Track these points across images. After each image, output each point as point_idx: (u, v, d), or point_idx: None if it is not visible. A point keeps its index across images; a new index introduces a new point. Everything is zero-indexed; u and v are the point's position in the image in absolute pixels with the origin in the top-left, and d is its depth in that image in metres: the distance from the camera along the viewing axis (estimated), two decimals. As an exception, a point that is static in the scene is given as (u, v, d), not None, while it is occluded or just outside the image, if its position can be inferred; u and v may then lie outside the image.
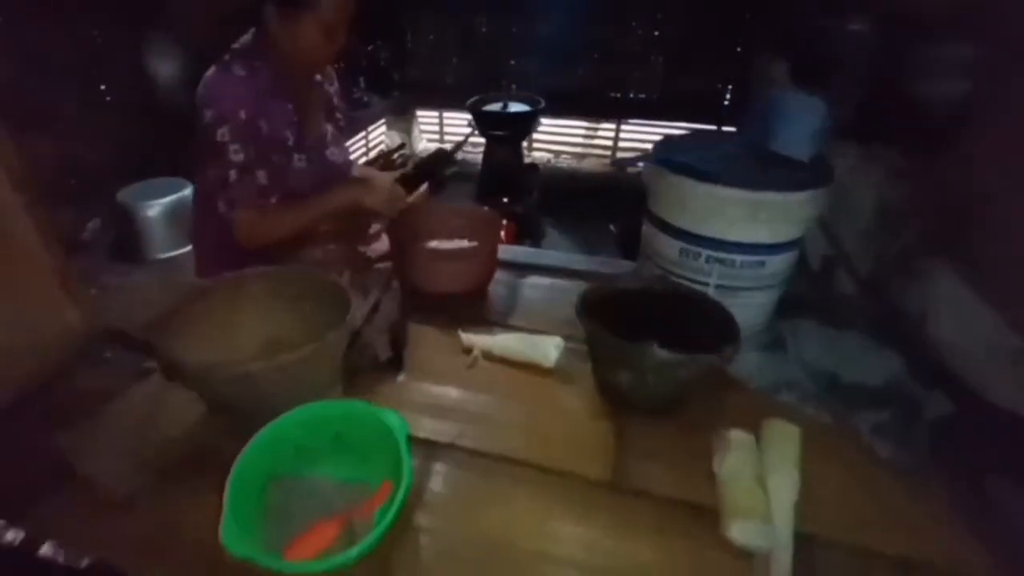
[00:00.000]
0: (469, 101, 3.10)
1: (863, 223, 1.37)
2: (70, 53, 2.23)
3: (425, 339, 1.39)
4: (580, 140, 4.66)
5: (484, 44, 4.33)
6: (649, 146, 4.65)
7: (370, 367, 1.23)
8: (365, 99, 4.12)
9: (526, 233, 3.23)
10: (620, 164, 1.54)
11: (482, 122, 3.11)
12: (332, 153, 1.39)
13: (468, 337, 1.33)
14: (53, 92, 2.16)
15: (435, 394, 1.22)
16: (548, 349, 1.25)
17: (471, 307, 1.51)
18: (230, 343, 1.11)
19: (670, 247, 1.27)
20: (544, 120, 4.07)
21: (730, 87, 3.99)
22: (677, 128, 4.26)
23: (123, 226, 2.30)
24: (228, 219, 1.21)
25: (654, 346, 1.02)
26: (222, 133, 1.14)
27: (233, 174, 1.16)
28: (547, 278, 1.68)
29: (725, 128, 4.07)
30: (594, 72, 4.20)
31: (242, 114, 1.14)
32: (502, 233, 1.53)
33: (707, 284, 1.25)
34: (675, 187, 1.20)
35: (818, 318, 1.39)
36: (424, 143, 4.94)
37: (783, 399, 1.21)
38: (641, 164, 1.33)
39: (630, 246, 3.31)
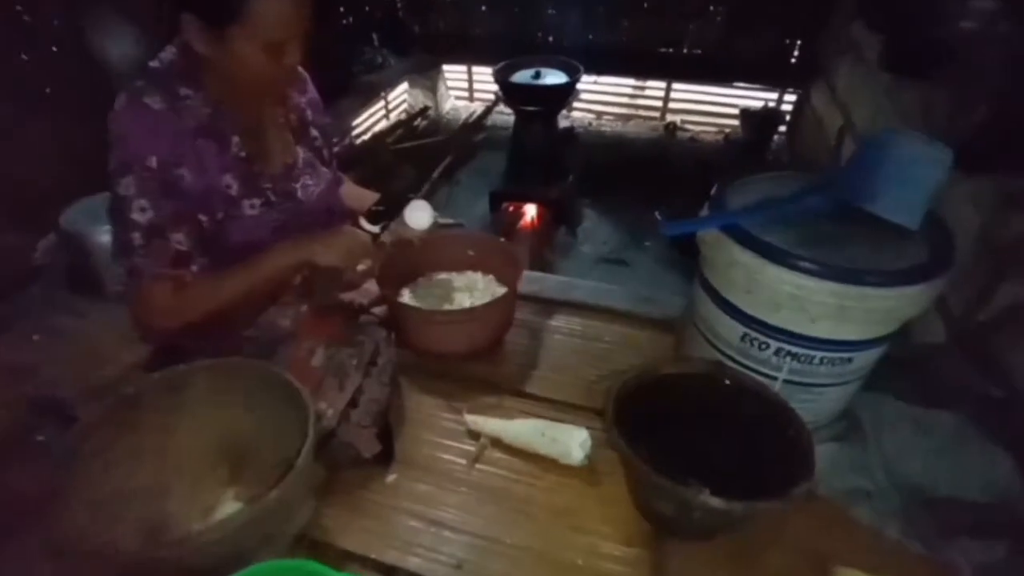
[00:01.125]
0: (495, 67, 2.76)
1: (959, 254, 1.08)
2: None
3: (422, 415, 1.18)
4: (625, 100, 4.26)
5: (517, -8, 3.92)
6: (704, 108, 4.21)
7: (352, 465, 1.04)
8: (379, 59, 3.79)
9: (560, 219, 2.95)
10: (665, 229, 1.20)
11: (510, 94, 2.78)
12: (307, 185, 1.13)
13: (474, 420, 1.12)
14: None
15: (431, 502, 1.01)
16: (571, 446, 1.02)
17: (483, 366, 1.28)
18: (171, 461, 0.92)
19: (730, 329, 1.01)
20: (586, 77, 3.70)
21: (799, 44, 3.51)
22: (734, 89, 3.81)
23: (75, 252, 1.88)
24: (127, 295, 0.97)
25: (704, 493, 0.78)
26: (125, 185, 0.89)
27: (137, 238, 0.91)
28: (578, 319, 1.43)
29: (792, 91, 3.63)
30: (642, 25, 3.76)
31: (152, 161, 0.88)
32: (522, 271, 1.27)
33: (774, 378, 0.98)
34: (741, 264, 0.92)
35: (902, 386, 1.13)
36: (452, 103, 4.62)
37: (860, 513, 0.97)
38: (695, 227, 1.04)
39: (679, 239, 3.01)
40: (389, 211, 1.16)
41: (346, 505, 1.01)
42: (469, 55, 4.31)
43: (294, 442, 0.83)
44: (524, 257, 1.25)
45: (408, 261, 1.37)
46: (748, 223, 0.94)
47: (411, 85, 4.33)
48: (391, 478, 1.05)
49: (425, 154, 3.57)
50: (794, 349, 0.93)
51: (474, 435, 1.12)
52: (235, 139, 0.99)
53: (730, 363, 1.03)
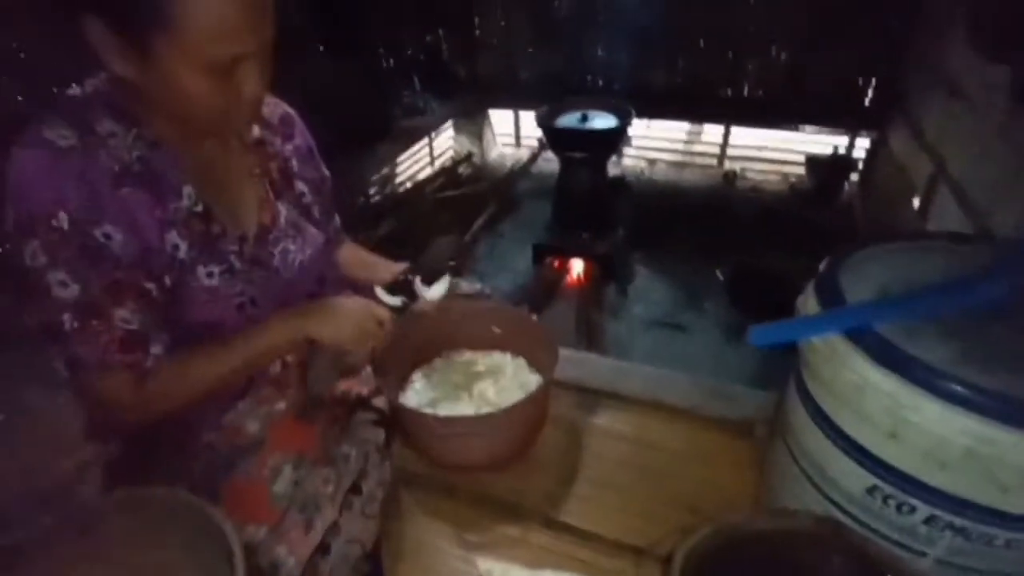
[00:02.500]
0: (538, 112, 2.56)
1: None
2: None
3: (424, 549, 0.92)
4: (680, 147, 4.01)
5: (565, 31, 3.77)
6: (766, 154, 3.92)
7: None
8: (421, 103, 3.68)
9: (609, 275, 2.68)
10: (754, 338, 0.89)
11: (555, 140, 2.57)
12: (287, 251, 0.91)
13: (489, 570, 0.85)
14: None
15: None
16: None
17: (504, 480, 1.02)
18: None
19: (851, 476, 0.71)
20: (637, 122, 3.49)
21: (874, 81, 3.20)
22: (799, 133, 3.52)
23: None
24: (78, 391, 0.75)
25: None
26: (31, 252, 0.67)
27: (68, 321, 0.69)
28: (629, 416, 1.15)
29: (865, 134, 3.31)
30: (699, 64, 3.54)
31: (61, 219, 0.66)
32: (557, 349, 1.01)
33: (922, 553, 0.68)
34: (880, 393, 0.63)
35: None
36: (498, 149, 4.47)
37: None
38: (801, 332, 0.76)
39: (745, 301, 2.69)
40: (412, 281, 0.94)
41: None
42: (515, 99, 4.17)
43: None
44: (557, 339, 0.98)
45: (422, 337, 1.13)
46: (883, 324, 0.65)
47: (457, 131, 4.21)
48: (372, 650, 0.79)
49: (467, 203, 3.39)
50: (960, 522, 0.63)
51: (487, 586, 0.85)
52: (186, 189, 0.77)
53: (845, 519, 0.73)
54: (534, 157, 3.92)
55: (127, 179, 0.70)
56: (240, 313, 0.83)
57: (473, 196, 3.48)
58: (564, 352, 1.25)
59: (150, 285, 0.73)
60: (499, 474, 1.02)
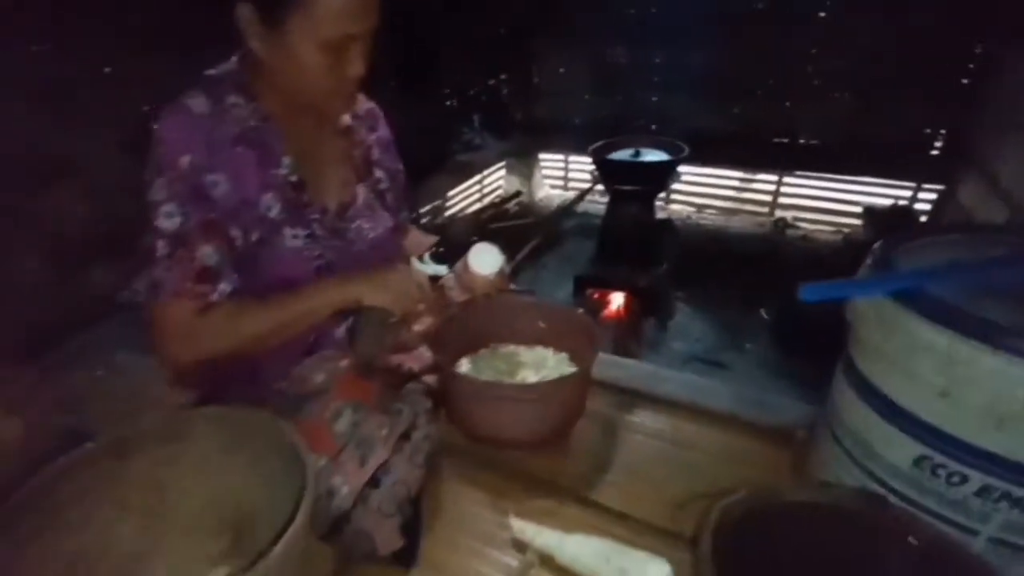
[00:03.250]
0: (593, 146, 2.70)
1: None
2: (90, 90, 2.05)
3: (460, 511, 0.98)
4: (731, 193, 4.08)
5: (621, 78, 3.96)
6: (819, 204, 3.94)
7: (366, 560, 0.85)
8: (478, 141, 3.90)
9: (650, 311, 2.73)
10: (805, 293, 0.94)
11: (607, 172, 2.70)
12: (362, 228, 1.04)
13: (522, 528, 0.90)
14: (78, 138, 2.00)
15: (453, 633, 0.79)
16: (647, 584, 0.77)
17: (541, 460, 1.07)
18: (160, 523, 0.79)
19: (898, 448, 0.74)
20: (688, 168, 3.59)
21: (942, 133, 3.21)
22: (858, 183, 3.54)
23: None
24: (148, 312, 0.87)
25: None
26: (156, 188, 0.83)
27: (162, 247, 0.83)
28: (666, 418, 1.19)
29: (930, 186, 3.30)
30: (754, 111, 3.64)
31: (184, 162, 0.82)
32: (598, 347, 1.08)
33: (973, 531, 0.70)
34: (933, 350, 0.67)
35: None
36: (546, 190, 4.64)
37: None
38: (855, 290, 0.82)
39: (788, 338, 2.69)
40: (452, 255, 1.05)
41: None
42: (567, 142, 4.35)
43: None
44: (604, 335, 1.04)
45: (470, 328, 1.22)
46: (939, 289, 0.70)
47: (508, 170, 4.41)
48: (408, 588, 0.85)
49: (512, 235, 3.53)
50: (1018, 492, 0.65)
51: (520, 546, 0.90)
52: (286, 160, 0.92)
53: (893, 497, 0.75)
54: (581, 196, 4.06)
55: (242, 141, 0.86)
56: (317, 275, 0.96)
57: (519, 228, 3.61)
58: (603, 356, 1.32)
59: (236, 233, 0.88)
60: (535, 454, 1.08)
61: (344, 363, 0.99)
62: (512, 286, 1.29)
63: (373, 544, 0.83)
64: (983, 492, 0.67)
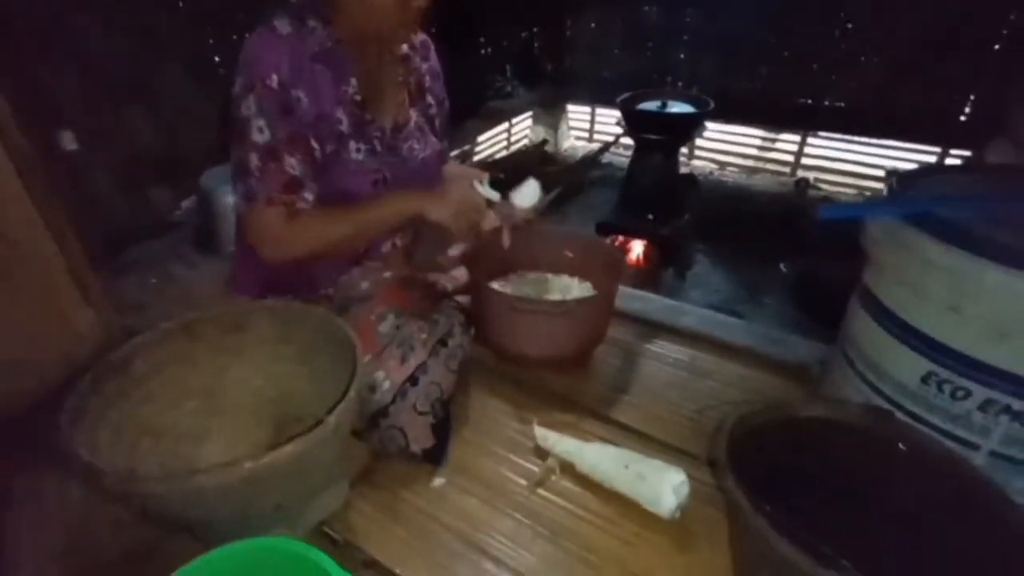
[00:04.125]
0: (621, 97, 2.63)
1: None
2: (163, 21, 2.06)
3: (487, 420, 1.00)
4: (754, 152, 3.96)
5: (653, 35, 3.81)
6: (842, 167, 3.83)
7: (399, 456, 0.87)
8: (509, 88, 3.82)
9: (669, 260, 2.70)
10: (824, 212, 0.93)
11: (633, 122, 2.62)
12: (413, 148, 1.04)
13: (544, 435, 0.92)
14: (149, 66, 2.03)
15: (478, 523, 0.82)
16: (662, 490, 0.79)
17: (564, 380, 1.09)
18: (214, 405, 0.82)
19: (907, 365, 0.74)
20: (712, 125, 3.47)
21: (972, 100, 3.06)
22: (882, 147, 3.41)
23: (205, 211, 2.00)
24: (243, 218, 0.91)
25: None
26: (247, 105, 0.84)
27: (254, 159, 0.86)
28: (685, 348, 1.20)
29: (956, 152, 3.18)
30: (782, 72, 3.49)
31: (273, 79, 0.84)
32: (626, 270, 1.07)
33: (975, 445, 0.70)
34: (944, 269, 0.67)
35: None
36: (571, 141, 4.55)
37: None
38: (871, 211, 0.81)
39: (808, 299, 2.64)
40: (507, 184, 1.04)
41: (382, 504, 0.85)
42: (595, 95, 4.24)
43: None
44: (626, 265, 1.04)
45: (503, 253, 1.22)
46: (950, 214, 0.69)
47: (535, 120, 4.32)
48: (438, 482, 0.88)
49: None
50: (1019, 405, 0.65)
51: (542, 454, 0.92)
52: (353, 80, 0.93)
53: (901, 414, 0.76)
54: (606, 147, 3.98)
55: (320, 60, 0.88)
56: (374, 188, 0.97)
57: (543, 175, 3.56)
58: (626, 289, 1.32)
59: (316, 146, 0.88)
60: (558, 374, 1.09)
61: (388, 274, 1.00)
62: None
63: (406, 440, 0.85)
64: (985, 406, 0.68)
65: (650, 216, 2.72)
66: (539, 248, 1.25)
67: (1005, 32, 2.86)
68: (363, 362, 0.83)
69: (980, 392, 0.67)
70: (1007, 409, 0.66)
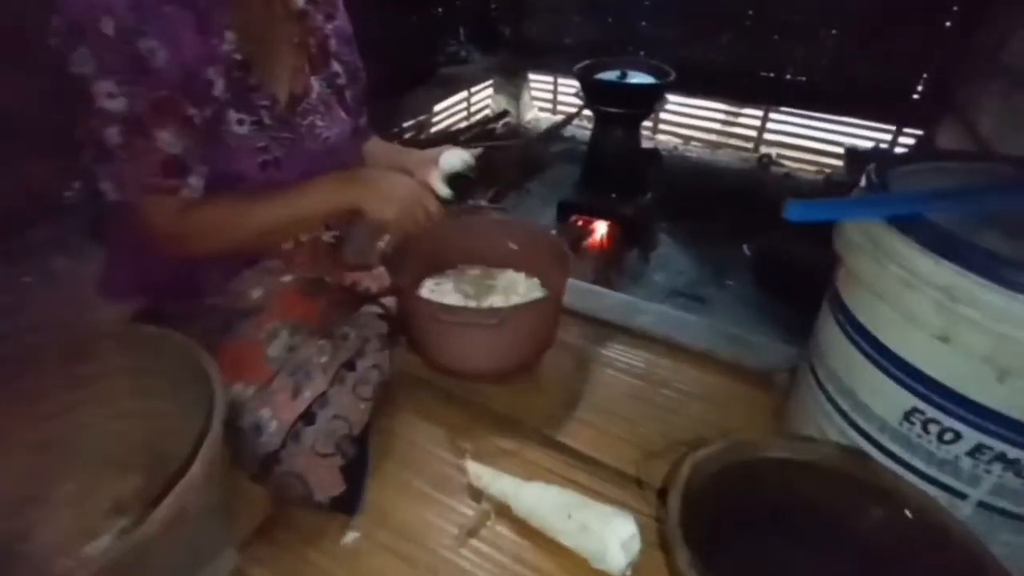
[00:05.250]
0: (578, 66, 2.44)
1: None
2: None
3: (414, 451, 0.85)
4: (717, 127, 3.84)
5: (612, 1, 3.62)
6: (804, 143, 3.75)
7: (303, 505, 0.72)
8: (463, 53, 3.56)
9: (632, 240, 2.57)
10: (792, 212, 0.78)
11: (593, 94, 2.44)
12: (315, 125, 0.84)
13: (478, 474, 0.77)
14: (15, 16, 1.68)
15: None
16: (609, 544, 0.66)
17: (506, 394, 0.94)
18: (66, 454, 0.64)
19: (887, 399, 0.62)
20: (674, 98, 3.31)
21: (924, 77, 2.98)
22: (841, 123, 3.33)
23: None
24: (123, 209, 0.68)
25: None
26: (80, 59, 0.62)
27: (114, 134, 0.65)
28: (642, 352, 1.06)
29: (909, 131, 3.11)
30: (743, 44, 3.35)
31: (107, 25, 0.61)
32: (569, 270, 0.93)
33: (961, 494, 0.59)
34: (933, 287, 0.54)
35: None
36: (534, 112, 4.34)
37: None
38: (845, 212, 0.67)
39: (770, 278, 2.57)
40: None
41: (281, 570, 0.69)
42: (557, 64, 4.02)
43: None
44: (575, 259, 0.88)
45: (435, 246, 1.05)
46: (938, 215, 0.56)
47: (496, 90, 4.08)
48: (351, 537, 0.73)
49: (497, 157, 3.29)
50: (1015, 453, 0.54)
51: (476, 493, 0.77)
52: (229, 34, 0.71)
53: (878, 454, 0.63)
54: (569, 119, 3.80)
55: (185, 2, 0.65)
56: (263, 171, 0.78)
57: (504, 150, 3.36)
58: (578, 284, 1.17)
59: (193, 111, 0.69)
60: (499, 388, 0.95)
61: (287, 278, 0.83)
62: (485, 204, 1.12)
63: (308, 488, 0.69)
64: (976, 452, 0.56)
65: (613, 194, 2.57)
66: (480, 239, 1.09)
67: (955, 8, 2.78)
68: (245, 396, 0.67)
69: (971, 436, 0.56)
70: (1001, 457, 0.54)
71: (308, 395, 0.69)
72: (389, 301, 0.96)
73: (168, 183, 0.68)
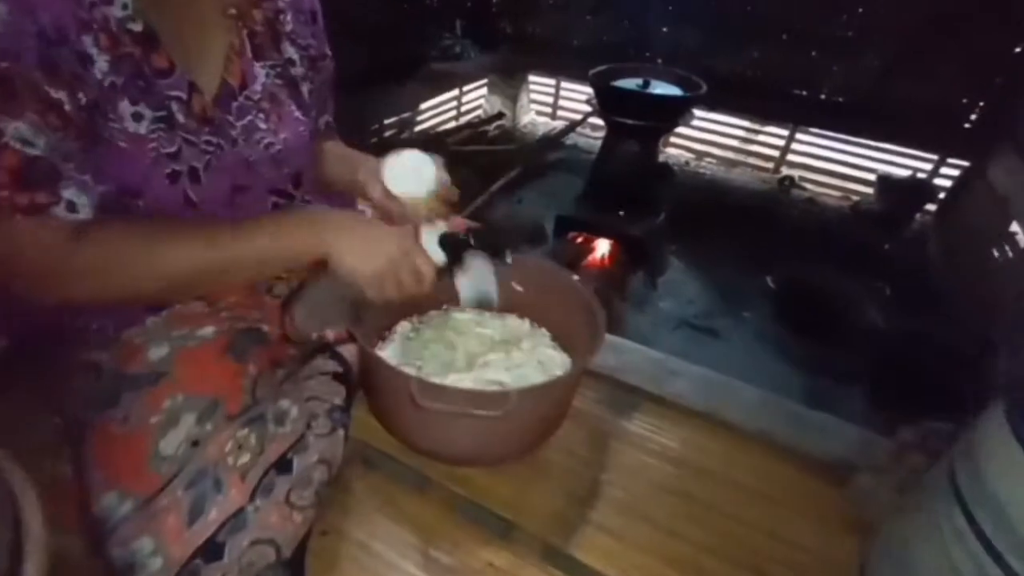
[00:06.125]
0: (594, 70, 2.28)
1: None
2: None
3: (367, 558, 0.66)
4: (735, 144, 3.72)
5: (632, 1, 3.49)
6: (829, 167, 3.64)
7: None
8: (458, 48, 3.41)
9: (639, 263, 2.40)
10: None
11: (608, 102, 2.28)
12: (255, 127, 0.65)
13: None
14: None
15: None
16: None
17: (500, 485, 0.75)
18: None
19: None
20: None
21: (980, 105, 2.87)
22: (874, 148, 3.22)
23: None
24: None
25: None
26: None
27: None
28: (675, 428, 0.88)
29: (956, 162, 3.00)
30: (774, 57, 3.23)
31: None
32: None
33: None
34: None
35: None
36: (531, 116, 4.20)
37: None
38: None
39: (792, 316, 2.42)
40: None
41: None
42: (561, 66, 3.88)
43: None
44: (603, 316, 0.69)
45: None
46: None
47: (491, 90, 3.93)
48: None
49: (489, 162, 3.12)
50: None
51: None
52: (141, 25, 0.53)
53: None
54: (572, 127, 3.66)
55: None
56: (173, 186, 0.58)
57: (497, 155, 3.21)
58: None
59: (59, 95, 0.49)
60: (493, 475, 0.76)
61: (208, 330, 0.63)
62: (466, 221, 0.93)
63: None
64: None
65: (620, 212, 2.41)
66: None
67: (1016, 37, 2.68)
68: (121, 513, 0.47)
69: None
70: None
71: (215, 516, 0.50)
72: (349, 351, 0.76)
73: (25, 197, 0.49)
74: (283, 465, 0.55)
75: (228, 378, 0.59)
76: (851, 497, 0.78)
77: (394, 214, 0.68)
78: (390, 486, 0.73)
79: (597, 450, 0.83)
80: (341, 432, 0.64)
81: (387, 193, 0.69)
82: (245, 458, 0.53)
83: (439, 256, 0.66)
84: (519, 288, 0.88)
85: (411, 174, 0.69)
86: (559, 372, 0.80)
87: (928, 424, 0.83)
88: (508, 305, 0.89)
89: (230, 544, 0.50)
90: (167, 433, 0.53)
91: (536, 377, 0.78)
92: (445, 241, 0.67)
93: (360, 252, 0.60)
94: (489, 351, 0.81)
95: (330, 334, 0.75)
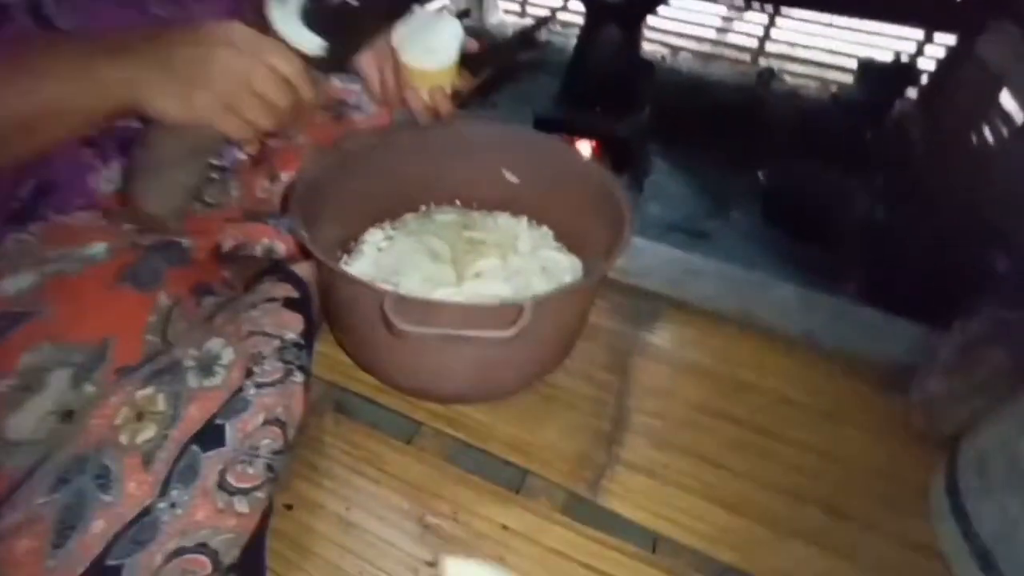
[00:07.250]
0: (568, -57, 1.97)
1: None
2: None
3: (346, 532, 0.49)
4: (711, 35, 3.42)
5: None
6: (811, 56, 3.37)
7: None
8: (417, -67, 2.98)
9: (623, 164, 2.19)
10: None
11: (584, -20, 1.99)
12: None
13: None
14: None
15: None
16: None
17: (503, 422, 0.59)
18: None
19: None
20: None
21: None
22: (854, 31, 2.97)
23: None
24: None
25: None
26: None
27: None
28: (704, 336, 0.72)
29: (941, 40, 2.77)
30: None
31: None
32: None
33: None
34: None
35: None
36: (499, 15, 3.79)
37: None
38: None
39: (781, 213, 2.27)
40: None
41: None
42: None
43: None
44: (628, 201, 0.49)
45: (382, 173, 0.65)
46: None
47: (453, -14, 3.50)
48: None
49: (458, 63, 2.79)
50: None
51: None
52: None
53: None
54: (543, 22, 3.32)
55: None
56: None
57: (466, 57, 2.87)
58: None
59: None
60: (497, 413, 0.59)
61: (99, 247, 0.42)
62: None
63: None
64: None
65: (600, 110, 2.16)
66: (455, 161, 0.69)
67: None
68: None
69: None
70: None
71: (100, 529, 0.31)
72: (305, 269, 0.56)
73: None
74: (211, 435, 0.37)
75: (123, 314, 0.39)
76: (918, 404, 0.64)
77: (410, 90, 0.48)
78: (370, 439, 0.56)
79: (617, 371, 0.66)
80: (299, 376, 0.45)
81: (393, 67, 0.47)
82: (149, 432, 0.34)
83: (308, 40, 0.42)
84: (512, 178, 0.68)
85: (434, 39, 0.47)
86: (568, 278, 0.62)
87: (994, 312, 0.69)
88: (501, 199, 0.70)
89: (132, 565, 0.32)
90: (23, 404, 0.33)
91: (541, 286, 0.60)
92: (315, 14, 0.42)
93: (179, 84, 0.37)
94: (482, 257, 0.62)
95: (277, 240, 0.54)
